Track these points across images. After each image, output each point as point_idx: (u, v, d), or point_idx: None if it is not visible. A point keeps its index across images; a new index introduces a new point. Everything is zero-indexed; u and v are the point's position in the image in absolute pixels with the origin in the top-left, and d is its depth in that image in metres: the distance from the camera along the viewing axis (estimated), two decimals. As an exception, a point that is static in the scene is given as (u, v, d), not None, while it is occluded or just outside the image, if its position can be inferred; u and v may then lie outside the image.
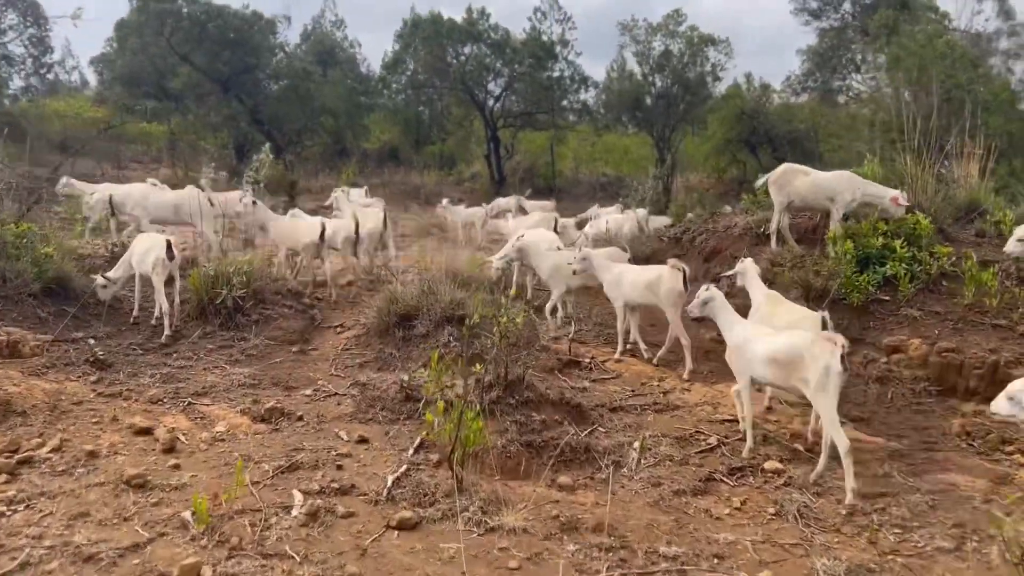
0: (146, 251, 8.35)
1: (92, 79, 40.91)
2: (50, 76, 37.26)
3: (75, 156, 23.51)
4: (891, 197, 8.48)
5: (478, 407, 5.43)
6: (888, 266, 7.98)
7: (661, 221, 21.26)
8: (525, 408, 6.16)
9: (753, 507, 4.98)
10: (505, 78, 33.76)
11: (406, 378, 6.72)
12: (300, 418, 6.29)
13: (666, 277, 7.73)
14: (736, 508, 4.96)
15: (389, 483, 4.96)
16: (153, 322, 8.49)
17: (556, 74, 33.54)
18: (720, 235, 9.91)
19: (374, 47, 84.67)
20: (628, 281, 8.12)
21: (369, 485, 4.97)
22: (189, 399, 6.55)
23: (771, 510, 4.92)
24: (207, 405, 6.46)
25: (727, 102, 32.07)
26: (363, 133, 38.43)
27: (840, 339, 5.20)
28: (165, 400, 6.51)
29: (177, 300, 8.48)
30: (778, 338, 5.57)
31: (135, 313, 8.75)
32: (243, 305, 8.49)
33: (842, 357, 5.11)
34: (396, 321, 7.98)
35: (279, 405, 6.43)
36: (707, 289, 6.16)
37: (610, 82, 35.13)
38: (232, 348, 7.98)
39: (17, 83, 33.82)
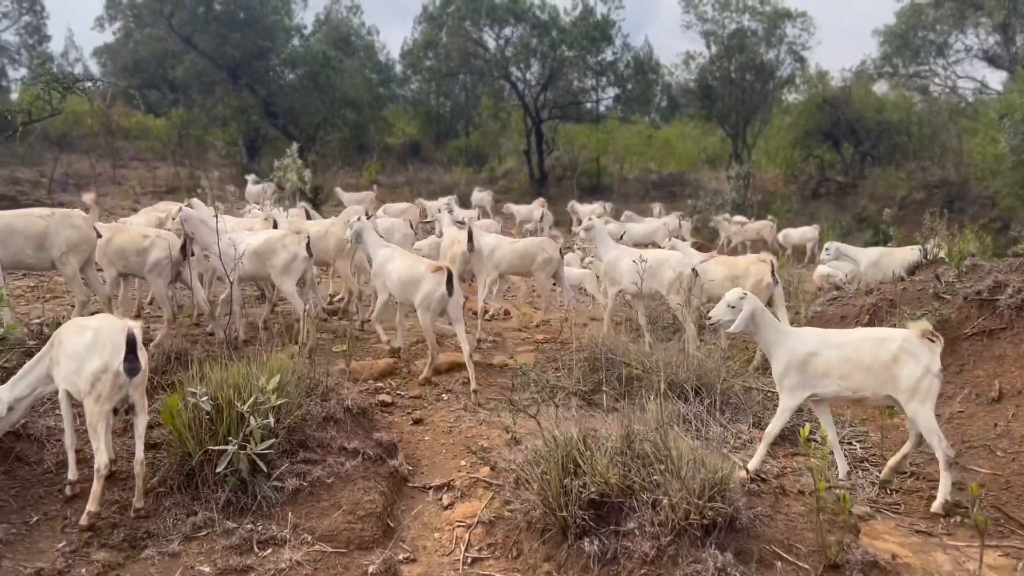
0: (85, 352, 4.23)
1: (96, 71, 36.90)
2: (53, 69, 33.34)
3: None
4: None
5: None
6: None
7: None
8: None
9: None
10: (551, 63, 29.41)
11: None
12: None
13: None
14: None
15: None
16: (67, 490, 4.46)
17: (610, 58, 29.19)
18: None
19: (389, 36, 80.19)
20: None
21: None
22: None
23: None
24: None
25: (807, 88, 27.75)
26: (385, 127, 34.38)
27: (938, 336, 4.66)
28: None
29: (141, 454, 4.33)
30: (849, 337, 4.86)
31: (71, 476, 4.52)
32: (267, 462, 4.36)
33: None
34: (580, 514, 3.86)
35: None
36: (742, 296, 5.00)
37: (670, 67, 30.86)
38: (247, 574, 3.86)
39: (13, 74, 30.17)
